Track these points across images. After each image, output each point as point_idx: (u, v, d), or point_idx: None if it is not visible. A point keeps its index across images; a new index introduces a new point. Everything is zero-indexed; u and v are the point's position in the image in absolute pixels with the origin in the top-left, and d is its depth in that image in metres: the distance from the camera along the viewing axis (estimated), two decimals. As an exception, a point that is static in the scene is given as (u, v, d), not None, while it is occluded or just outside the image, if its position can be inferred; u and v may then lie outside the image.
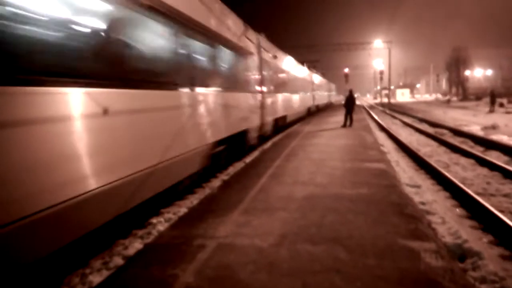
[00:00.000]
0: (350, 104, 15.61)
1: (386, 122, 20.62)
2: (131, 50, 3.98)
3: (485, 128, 15.43)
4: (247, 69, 9.28)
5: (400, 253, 3.26)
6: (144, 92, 4.23)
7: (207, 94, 6.31)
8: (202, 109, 5.98)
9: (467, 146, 10.89)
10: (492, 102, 27.99)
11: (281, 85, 14.34)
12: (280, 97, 14.12)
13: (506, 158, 8.87)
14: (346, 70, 55.50)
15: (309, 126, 16.36)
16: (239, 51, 8.46)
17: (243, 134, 8.81)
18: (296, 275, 2.93)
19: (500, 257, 3.78)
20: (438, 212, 4.96)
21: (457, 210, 5.32)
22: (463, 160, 8.78)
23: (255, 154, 9.62)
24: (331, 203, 4.76)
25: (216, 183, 6.76)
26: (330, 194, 5.23)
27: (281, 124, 14.60)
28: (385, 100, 56.63)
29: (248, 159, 8.79)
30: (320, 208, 4.59)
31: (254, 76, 10.04)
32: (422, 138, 13.44)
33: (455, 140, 11.97)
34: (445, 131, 14.81)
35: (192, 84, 5.60)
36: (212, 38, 6.56)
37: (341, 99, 46.20)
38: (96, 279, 3.31)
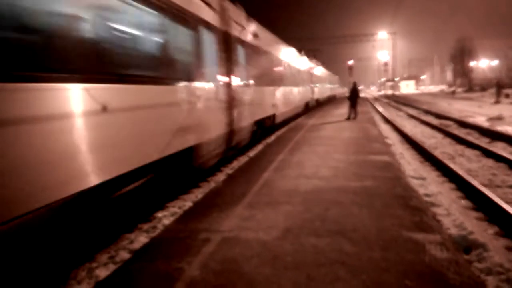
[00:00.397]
0: (354, 96, 15.56)
1: (390, 114, 20.52)
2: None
3: (490, 119, 15.28)
4: (197, 48, 5.93)
5: (405, 246, 3.26)
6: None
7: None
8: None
9: (473, 137, 10.79)
10: (498, 93, 27.70)
11: (267, 75, 11.22)
12: (266, 91, 11.14)
13: (511, 149, 8.80)
14: (350, 62, 55.10)
15: (313, 119, 16.31)
16: (177, 18, 5.22)
17: (182, 156, 5.30)
18: (300, 268, 2.94)
19: (506, 248, 3.76)
20: (443, 204, 4.94)
21: (462, 201, 5.29)
22: (468, 152, 8.72)
23: (259, 147, 9.62)
24: (336, 196, 4.76)
25: (220, 177, 6.78)
26: (335, 187, 5.23)
27: (269, 125, 11.83)
28: (390, 92, 56.29)
29: (252, 153, 8.81)
30: (324, 201, 4.59)
31: (213, 60, 6.72)
32: (427, 130, 13.35)
33: (460, 132, 11.87)
34: (450, 122, 14.69)
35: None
36: None
37: (345, 91, 45.68)
38: (102, 273, 3.34)
